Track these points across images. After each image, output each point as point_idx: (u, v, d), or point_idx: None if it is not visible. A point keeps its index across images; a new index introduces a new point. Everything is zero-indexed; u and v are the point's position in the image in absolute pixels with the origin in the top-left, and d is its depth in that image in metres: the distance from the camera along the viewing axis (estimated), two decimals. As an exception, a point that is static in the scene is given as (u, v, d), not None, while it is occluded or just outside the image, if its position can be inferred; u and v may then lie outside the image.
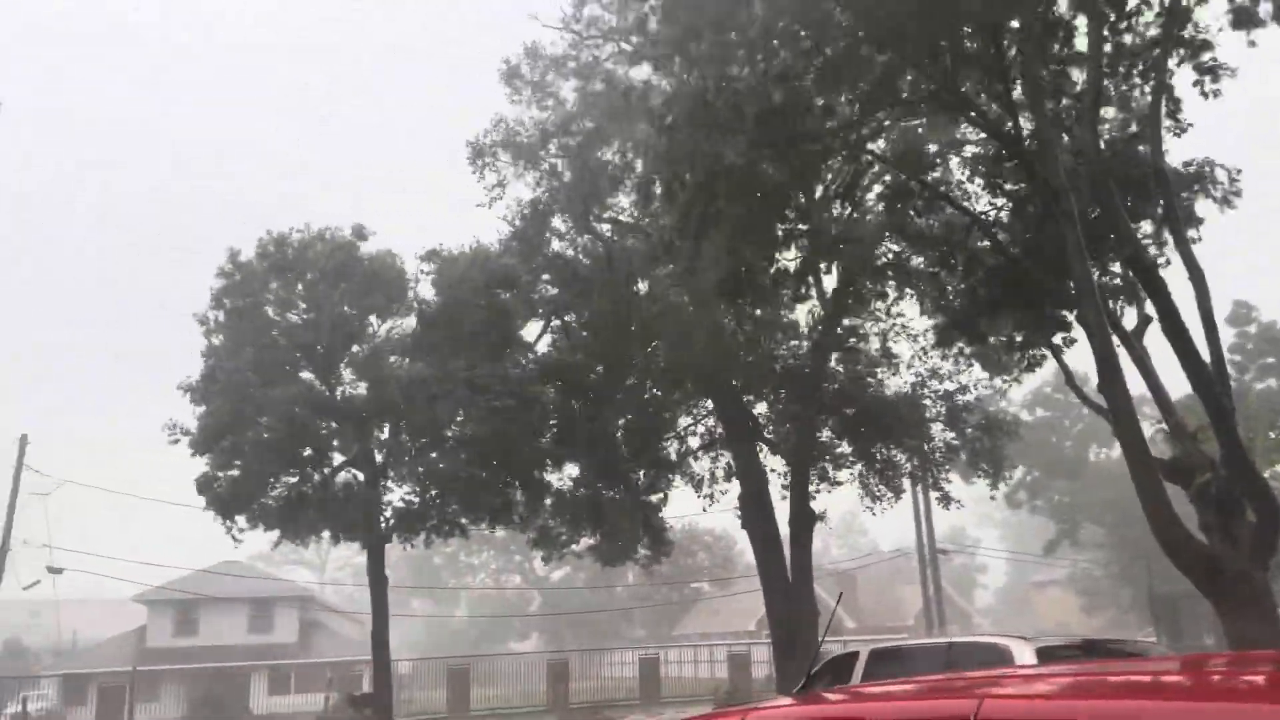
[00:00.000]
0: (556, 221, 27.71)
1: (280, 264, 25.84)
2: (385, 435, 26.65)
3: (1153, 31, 13.24)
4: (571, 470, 27.60)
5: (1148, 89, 13.43)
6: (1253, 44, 12.40)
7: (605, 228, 27.94)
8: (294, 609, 50.41)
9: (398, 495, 26.55)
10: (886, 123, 15.13)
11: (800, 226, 15.70)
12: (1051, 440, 49.07)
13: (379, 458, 26.41)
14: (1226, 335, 28.96)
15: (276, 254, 25.96)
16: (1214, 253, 14.81)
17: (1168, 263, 12.80)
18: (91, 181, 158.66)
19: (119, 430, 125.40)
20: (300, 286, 26.04)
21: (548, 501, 27.38)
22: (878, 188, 16.13)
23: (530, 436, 25.23)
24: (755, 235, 14.93)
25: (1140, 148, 14.00)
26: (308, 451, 25.26)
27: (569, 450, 26.02)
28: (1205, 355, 11.91)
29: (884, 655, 11.13)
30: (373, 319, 26.69)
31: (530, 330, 28.06)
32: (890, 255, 23.78)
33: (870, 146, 14.81)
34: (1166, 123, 13.27)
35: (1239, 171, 13.91)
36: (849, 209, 15.67)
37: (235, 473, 24.40)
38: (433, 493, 25.87)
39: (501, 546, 73.59)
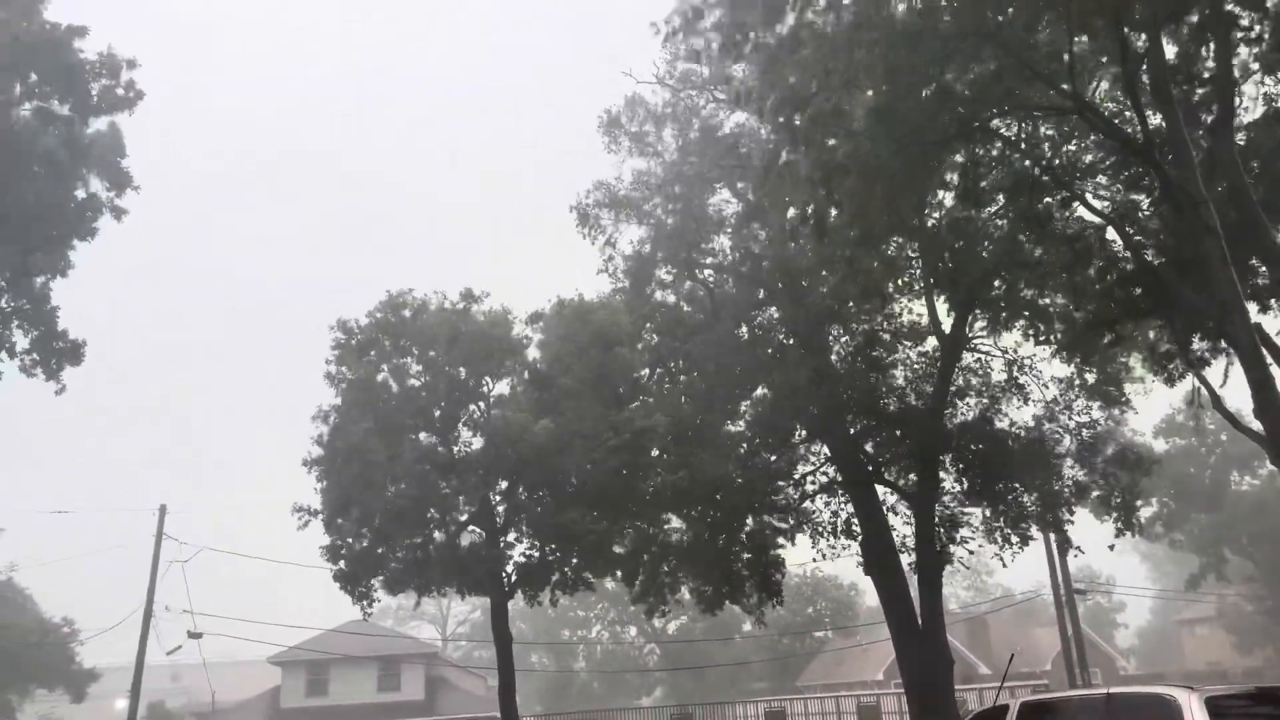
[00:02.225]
0: (660, 271, 27.89)
1: (395, 330, 26.61)
2: (503, 491, 26.93)
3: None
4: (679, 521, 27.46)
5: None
6: None
7: (708, 273, 27.97)
8: (420, 666, 51.09)
9: (519, 551, 26.76)
10: (1006, 123, 14.45)
11: (920, 223, 14.94)
12: (1189, 470, 46.39)
13: (500, 514, 26.72)
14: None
15: (392, 320, 26.76)
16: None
17: None
18: (224, 244, 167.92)
19: (256, 496, 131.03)
20: (415, 351, 26.73)
21: (655, 550, 27.15)
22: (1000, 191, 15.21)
23: (644, 478, 25.05)
24: (873, 236, 14.37)
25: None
26: (432, 512, 25.69)
27: (681, 496, 25.70)
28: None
29: (1037, 709, 10.45)
30: (487, 379, 27.18)
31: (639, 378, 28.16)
32: (1006, 280, 23.12)
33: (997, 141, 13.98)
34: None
35: None
36: (970, 209, 14.90)
37: (364, 541, 24.99)
38: (552, 546, 26.01)
39: (615, 598, 73.39)
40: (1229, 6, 12.52)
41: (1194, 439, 48.22)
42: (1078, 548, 26.23)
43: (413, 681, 50.03)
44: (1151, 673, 58.76)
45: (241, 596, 47.37)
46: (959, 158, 14.44)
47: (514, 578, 26.58)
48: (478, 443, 26.49)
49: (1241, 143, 13.45)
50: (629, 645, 76.37)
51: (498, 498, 26.73)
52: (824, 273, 25.41)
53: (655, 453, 26.21)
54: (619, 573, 27.71)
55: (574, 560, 25.99)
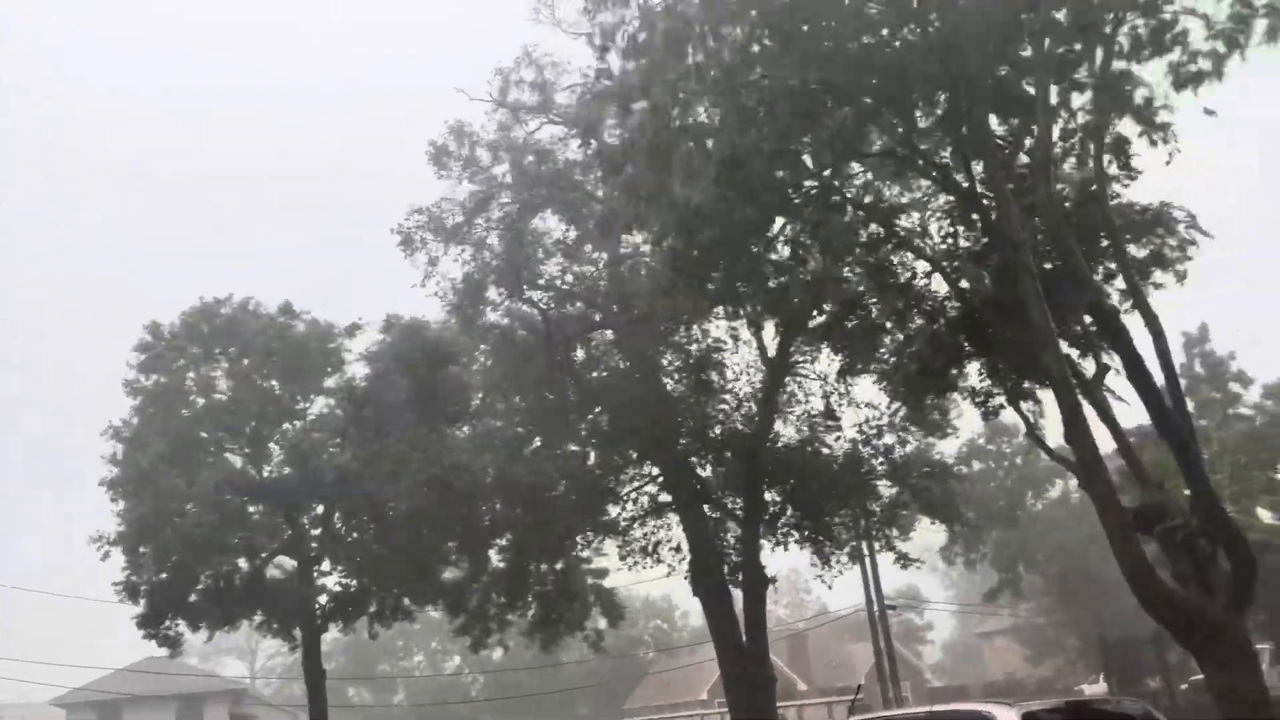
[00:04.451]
0: (491, 293, 27.32)
1: (204, 337, 24.68)
2: (317, 518, 25.34)
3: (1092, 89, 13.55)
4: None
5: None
6: (1210, 112, 12.74)
7: (540, 295, 27.64)
8: (224, 704, 47.79)
9: (334, 580, 25.22)
10: (857, 173, 15.13)
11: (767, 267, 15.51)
12: (988, 492, 49.42)
13: (314, 542, 25.11)
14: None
15: (202, 327, 24.81)
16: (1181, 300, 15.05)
17: (1132, 309, 12.78)
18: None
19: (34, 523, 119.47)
20: (226, 363, 24.87)
21: (484, 579, 26.31)
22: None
23: (470, 503, 24.16)
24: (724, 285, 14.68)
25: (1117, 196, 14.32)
26: (235, 539, 23.84)
27: (508, 521, 25.00)
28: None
29: (864, 729, 10.52)
30: (310, 396, 25.62)
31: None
32: (829, 313, 24.03)
33: (838, 196, 14.69)
34: (1120, 172, 13.59)
35: (1193, 216, 14.09)
36: (812, 255, 15.56)
37: (162, 575, 22.87)
38: (366, 578, 24.61)
39: (438, 627, 71.02)
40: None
41: (992, 462, 51.58)
42: (918, 561, 27.40)
43: (216, 722, 46.70)
44: (956, 685, 62.13)
45: (35, 632, 42.92)
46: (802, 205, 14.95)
47: (328, 609, 25.06)
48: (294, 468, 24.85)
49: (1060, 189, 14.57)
50: (453, 675, 74.08)
51: (311, 525, 25.12)
52: (658, 298, 25.69)
53: (487, 475, 25.46)
54: (441, 603, 26.58)
55: (394, 590, 24.71)
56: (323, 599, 25.04)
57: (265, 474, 24.66)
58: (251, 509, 23.92)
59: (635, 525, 26.75)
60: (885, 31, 13.20)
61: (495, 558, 26.75)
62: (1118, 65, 13.35)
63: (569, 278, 27.33)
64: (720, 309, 20.47)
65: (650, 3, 14.05)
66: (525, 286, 26.82)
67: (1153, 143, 13.35)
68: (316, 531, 25.13)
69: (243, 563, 24.23)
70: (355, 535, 24.66)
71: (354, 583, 25.03)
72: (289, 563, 25.36)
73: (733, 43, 12.90)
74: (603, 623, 27.96)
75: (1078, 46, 13.45)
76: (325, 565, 25.36)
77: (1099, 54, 13.31)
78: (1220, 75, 13.11)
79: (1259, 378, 29.65)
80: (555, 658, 52.86)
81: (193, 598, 23.40)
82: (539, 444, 26.09)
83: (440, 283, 26.74)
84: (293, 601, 24.02)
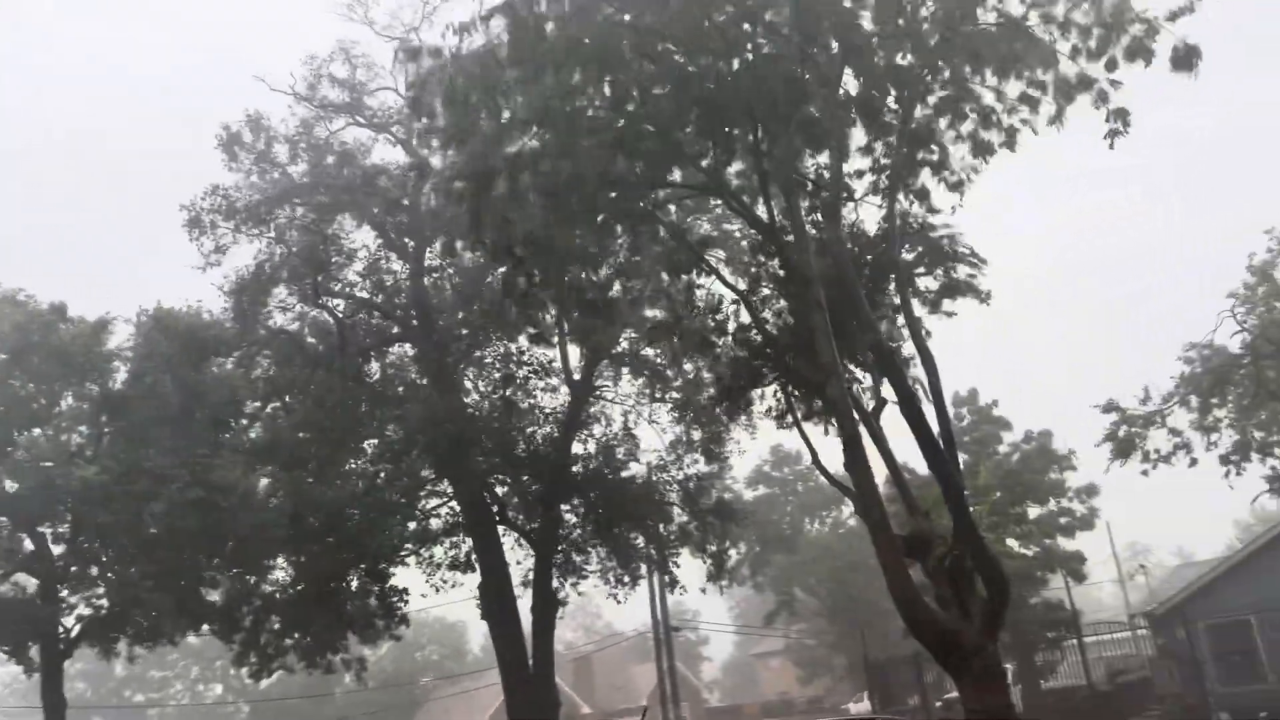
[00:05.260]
0: (280, 292, 25.83)
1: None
2: (63, 534, 22.71)
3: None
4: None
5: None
6: (1009, 185, 14.03)
7: (337, 302, 26.43)
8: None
9: (82, 602, 22.76)
10: (670, 202, 15.57)
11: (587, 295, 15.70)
12: (772, 516, 51.60)
13: (60, 560, 22.54)
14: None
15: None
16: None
17: (927, 346, 13.76)
18: None
19: None
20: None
21: (256, 602, 24.62)
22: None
23: (242, 520, 22.47)
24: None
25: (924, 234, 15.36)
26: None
27: (282, 542, 23.45)
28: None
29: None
30: (66, 400, 23.09)
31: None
32: (631, 342, 24.51)
33: (653, 225, 15.06)
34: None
35: (982, 260, 15.33)
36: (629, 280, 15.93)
37: None
38: (123, 600, 22.33)
39: (197, 653, 65.70)
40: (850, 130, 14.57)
41: (777, 488, 53.94)
42: (682, 586, 28.16)
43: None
44: (731, 704, 64.13)
45: None
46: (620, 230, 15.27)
47: (77, 633, 22.63)
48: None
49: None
50: (214, 704, 68.79)
51: (55, 541, 22.51)
52: (460, 314, 25.20)
53: (261, 491, 23.87)
54: (207, 627, 24.59)
55: (152, 614, 22.57)
56: (71, 621, 22.58)
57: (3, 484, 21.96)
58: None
59: (428, 546, 25.92)
60: (691, 69, 13.73)
61: (275, 579, 25.17)
62: (923, 114, 14.50)
63: (368, 286, 26.38)
64: (529, 330, 20.40)
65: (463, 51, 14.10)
66: (321, 291, 25.62)
67: (949, 187, 14.67)
68: (60, 549, 22.52)
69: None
70: (110, 553, 22.39)
71: (106, 605, 22.69)
72: (33, 581, 22.69)
73: (550, 83, 13.06)
74: (385, 648, 26.81)
75: (875, 95, 14.48)
76: (72, 586, 22.78)
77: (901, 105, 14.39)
78: (1013, 147, 14.54)
79: (1018, 424, 32.56)
80: (327, 685, 50.25)
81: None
82: (325, 458, 24.82)
83: (226, 276, 25.27)
84: (26, 626, 21.46)
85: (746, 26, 13.77)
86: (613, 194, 14.05)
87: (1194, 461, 24.95)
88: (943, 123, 14.72)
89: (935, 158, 14.76)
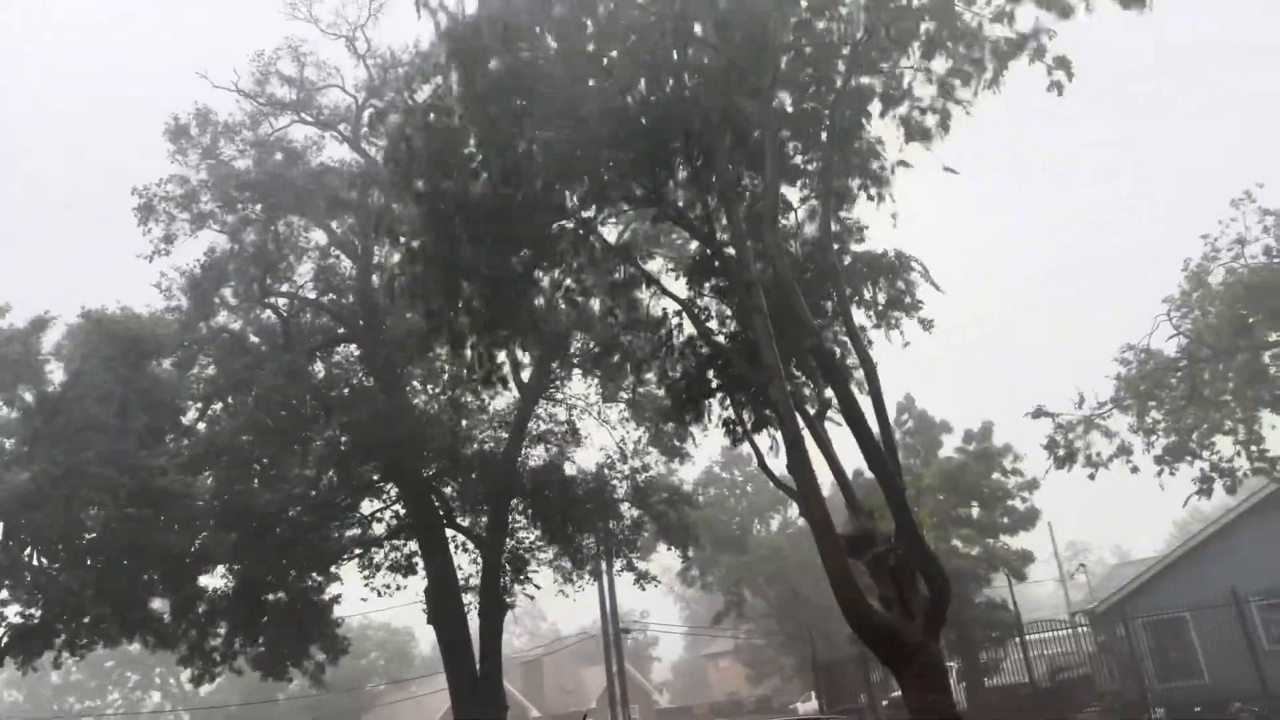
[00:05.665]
0: (226, 292, 25.41)
1: None
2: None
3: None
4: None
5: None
6: (950, 170, 14.39)
7: (282, 301, 26.05)
8: None
9: (12, 611, 22.02)
10: (612, 220, 15.75)
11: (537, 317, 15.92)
12: (720, 518, 51.83)
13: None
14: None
15: None
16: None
17: (867, 350, 13.98)
18: None
19: None
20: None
21: (200, 609, 24.10)
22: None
23: (174, 533, 21.96)
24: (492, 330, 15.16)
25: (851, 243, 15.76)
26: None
27: (225, 548, 22.99)
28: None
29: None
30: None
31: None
32: (585, 345, 24.52)
33: (593, 241, 15.25)
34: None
35: (925, 268, 15.56)
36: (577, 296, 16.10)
37: None
38: (54, 609, 21.63)
39: (136, 660, 64.11)
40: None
41: (726, 490, 54.19)
42: (655, 579, 28.14)
43: None
44: (681, 705, 64.22)
45: None
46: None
47: (4, 642, 21.89)
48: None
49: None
50: (151, 715, 67.15)
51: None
52: (409, 314, 24.99)
53: (204, 495, 23.32)
54: (149, 637, 24.00)
55: (85, 622, 21.91)
56: (-1, 630, 21.84)
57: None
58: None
59: (373, 550, 25.63)
60: (629, 94, 14.04)
61: (218, 585, 24.65)
62: (852, 120, 14.73)
63: (316, 286, 26.05)
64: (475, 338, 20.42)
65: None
66: (267, 290, 25.29)
67: (869, 198, 14.99)
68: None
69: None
70: (42, 561, 21.70)
71: (37, 613, 21.97)
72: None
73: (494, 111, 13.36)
74: (321, 656, 26.42)
75: (808, 106, 14.77)
76: (2, 594, 22.02)
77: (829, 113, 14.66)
78: (946, 129, 14.79)
79: (958, 426, 33.34)
80: (269, 691, 49.36)
81: None
82: (268, 461, 24.40)
83: (167, 273, 24.94)
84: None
85: (675, 53, 14.08)
86: (557, 215, 14.39)
87: (1135, 469, 25.57)
88: (874, 109, 15.00)
89: (858, 161, 15.06)
